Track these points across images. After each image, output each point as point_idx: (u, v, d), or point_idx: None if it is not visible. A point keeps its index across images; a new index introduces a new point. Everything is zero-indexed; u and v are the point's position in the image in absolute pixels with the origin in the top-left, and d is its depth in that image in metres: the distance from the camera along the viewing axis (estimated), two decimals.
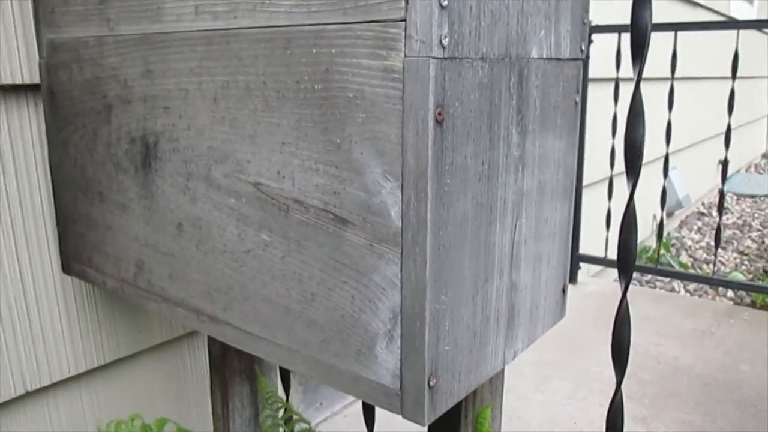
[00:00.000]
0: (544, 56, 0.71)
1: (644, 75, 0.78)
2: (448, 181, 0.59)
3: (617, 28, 2.44)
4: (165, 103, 0.80)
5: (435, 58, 0.54)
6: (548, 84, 0.72)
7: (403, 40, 0.55)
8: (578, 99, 0.80)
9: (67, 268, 1.08)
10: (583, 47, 0.79)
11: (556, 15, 0.71)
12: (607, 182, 2.70)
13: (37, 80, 1.04)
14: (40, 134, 1.08)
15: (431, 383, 0.62)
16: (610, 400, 0.79)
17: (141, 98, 0.83)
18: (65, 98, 0.97)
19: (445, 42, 0.55)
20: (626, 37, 2.50)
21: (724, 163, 2.46)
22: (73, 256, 1.05)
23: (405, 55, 0.55)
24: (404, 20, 0.55)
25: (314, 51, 0.62)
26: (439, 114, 0.56)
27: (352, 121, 0.61)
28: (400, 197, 0.59)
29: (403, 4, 0.55)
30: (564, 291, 0.87)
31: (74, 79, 0.94)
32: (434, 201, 0.57)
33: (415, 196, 0.57)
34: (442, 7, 0.54)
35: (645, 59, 0.78)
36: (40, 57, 1.01)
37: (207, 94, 0.74)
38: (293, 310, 0.71)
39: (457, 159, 0.59)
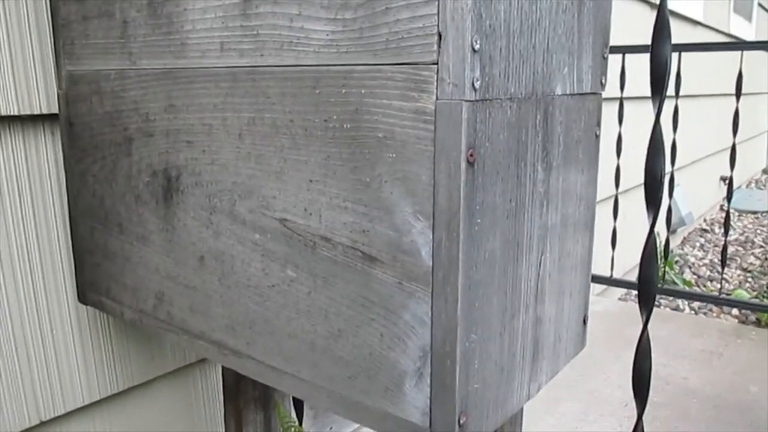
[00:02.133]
0: (568, 92, 0.71)
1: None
2: (479, 220, 0.59)
3: (621, 49, 2.46)
4: (188, 137, 0.80)
5: (467, 100, 0.55)
6: (571, 119, 0.73)
7: (435, 83, 0.56)
8: (599, 132, 0.81)
9: (83, 298, 1.08)
10: (603, 81, 0.80)
11: (579, 51, 0.72)
12: (611, 201, 2.70)
13: (54, 110, 1.05)
14: (57, 164, 1.08)
15: (461, 421, 0.62)
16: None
17: (163, 132, 0.84)
18: (84, 129, 0.98)
19: (477, 85, 0.55)
20: (630, 58, 2.52)
21: (729, 183, 2.47)
22: (90, 287, 1.05)
23: (437, 98, 0.56)
24: (436, 63, 0.56)
25: (343, 91, 0.63)
26: (471, 155, 0.56)
27: (382, 160, 0.61)
28: (431, 237, 0.59)
29: (435, 47, 0.55)
30: (585, 322, 0.87)
31: (94, 110, 0.95)
32: (466, 241, 0.57)
33: (447, 236, 0.58)
34: (474, 50, 0.55)
35: (665, 94, 0.79)
36: (59, 88, 1.02)
37: (232, 130, 0.75)
38: (319, 345, 0.71)
39: (487, 198, 0.59)
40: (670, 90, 2.46)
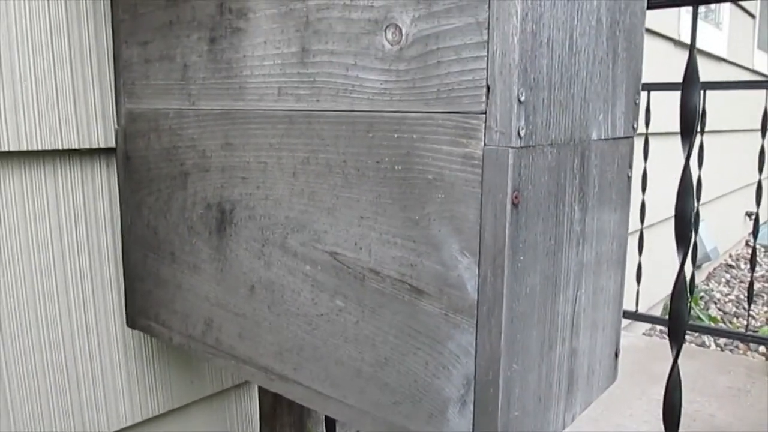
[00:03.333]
0: (602, 137, 0.76)
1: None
2: (521, 257, 0.63)
3: (647, 87, 2.50)
4: (243, 174, 0.86)
5: (513, 147, 0.60)
6: (605, 162, 0.77)
7: (483, 131, 0.61)
8: (630, 174, 0.85)
9: (132, 322, 1.13)
10: (635, 125, 0.84)
11: (613, 99, 0.77)
12: (636, 236, 2.72)
13: (111, 145, 1.12)
14: (110, 194, 1.15)
15: None
16: None
17: (219, 168, 0.90)
18: (141, 163, 1.04)
19: (522, 133, 0.60)
20: (655, 96, 2.57)
21: (756, 219, 2.48)
22: (139, 312, 1.11)
23: (485, 144, 0.61)
24: (485, 113, 0.61)
25: (396, 135, 0.68)
26: (516, 197, 0.61)
27: (431, 200, 0.66)
28: (476, 272, 0.63)
29: (484, 98, 0.60)
30: (617, 355, 0.90)
31: (151, 146, 1.01)
32: (509, 276, 0.62)
33: (492, 272, 0.62)
34: (520, 102, 0.59)
35: (695, 138, 0.83)
36: (117, 124, 1.09)
37: (286, 168, 0.80)
38: (365, 372, 0.75)
39: (529, 237, 0.64)
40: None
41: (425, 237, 0.67)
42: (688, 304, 2.73)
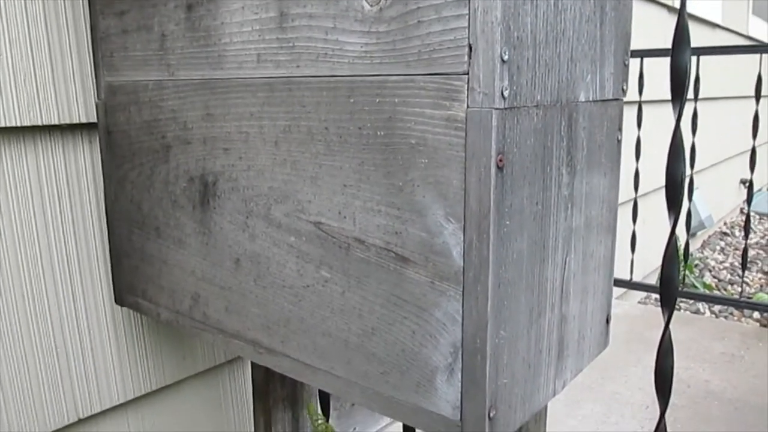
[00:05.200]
0: (591, 99, 0.74)
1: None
2: (507, 222, 0.62)
3: (640, 53, 2.47)
4: (225, 144, 0.84)
5: (497, 108, 0.58)
6: (594, 125, 0.76)
7: (466, 92, 0.59)
8: (620, 137, 0.83)
9: (119, 299, 1.12)
10: (625, 87, 0.82)
11: (601, 59, 0.75)
12: (631, 204, 2.71)
13: (92, 120, 1.09)
14: (94, 171, 1.13)
15: (491, 415, 0.64)
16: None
17: (200, 139, 0.88)
18: (122, 137, 1.02)
19: (506, 93, 0.58)
20: (648, 62, 2.54)
21: (750, 185, 2.47)
22: (127, 289, 1.09)
23: (468, 106, 0.59)
24: (467, 73, 0.59)
25: (377, 100, 0.66)
26: (500, 160, 0.59)
27: (414, 166, 0.64)
28: (462, 238, 0.62)
29: (466, 58, 0.58)
30: (608, 321, 0.89)
31: (132, 119, 0.99)
32: (495, 242, 0.60)
33: (477, 238, 0.61)
34: (503, 61, 0.58)
35: (684, 100, 0.81)
36: (98, 98, 1.06)
37: (268, 138, 0.78)
38: (352, 343, 0.74)
39: (515, 201, 0.62)
40: (689, 93, 2.47)
41: (409, 204, 0.65)
42: (682, 271, 2.73)
